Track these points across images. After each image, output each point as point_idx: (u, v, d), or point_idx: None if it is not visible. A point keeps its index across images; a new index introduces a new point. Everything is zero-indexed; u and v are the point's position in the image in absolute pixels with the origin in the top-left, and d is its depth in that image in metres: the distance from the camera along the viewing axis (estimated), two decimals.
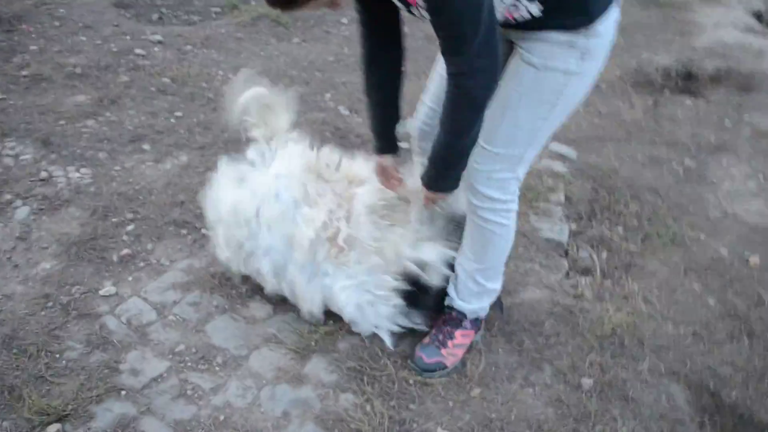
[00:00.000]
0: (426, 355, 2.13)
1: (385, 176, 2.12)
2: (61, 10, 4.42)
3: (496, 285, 2.18)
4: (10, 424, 1.82)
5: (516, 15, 1.65)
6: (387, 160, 2.08)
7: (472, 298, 2.16)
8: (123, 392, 1.95)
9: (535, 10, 1.63)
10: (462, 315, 2.18)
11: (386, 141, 2.06)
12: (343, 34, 4.89)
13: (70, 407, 1.86)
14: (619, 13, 1.74)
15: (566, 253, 2.80)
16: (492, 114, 1.73)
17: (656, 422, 2.07)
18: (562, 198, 3.07)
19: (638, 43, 5.23)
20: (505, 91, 1.75)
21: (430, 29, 1.57)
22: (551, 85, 1.74)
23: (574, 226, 2.94)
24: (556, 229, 2.87)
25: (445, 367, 2.14)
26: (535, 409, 2.06)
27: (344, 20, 4.93)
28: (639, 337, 2.36)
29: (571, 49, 1.68)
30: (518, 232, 2.78)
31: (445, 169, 1.83)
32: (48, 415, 1.83)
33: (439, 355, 2.14)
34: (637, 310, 2.48)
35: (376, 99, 2.00)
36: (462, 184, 1.89)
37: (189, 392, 1.99)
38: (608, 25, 1.69)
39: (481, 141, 1.80)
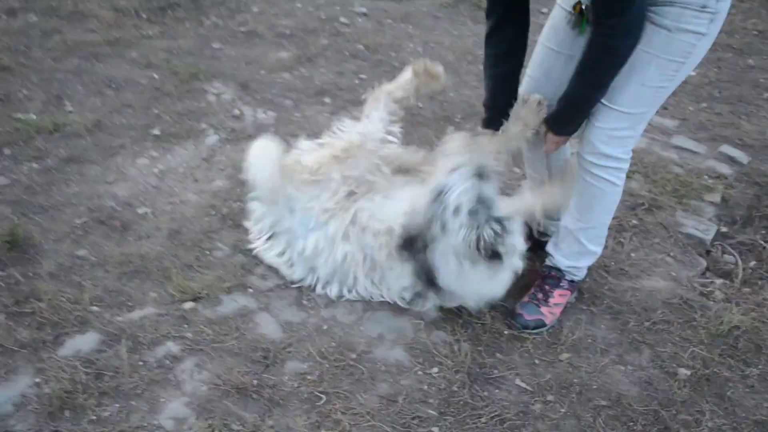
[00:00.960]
0: (527, 313, 2.23)
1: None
2: None
3: (597, 248, 2.24)
4: (157, 295, 2.24)
5: None
6: (487, 136, 2.14)
7: (571, 257, 2.23)
8: (250, 290, 2.30)
9: None
10: (560, 273, 2.25)
11: (498, 116, 2.11)
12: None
13: (205, 292, 2.24)
14: None
15: (707, 253, 2.68)
16: (619, 74, 1.83)
17: (749, 426, 1.98)
18: (718, 199, 2.92)
19: None
20: (635, 52, 1.81)
21: None
22: (681, 46, 1.80)
23: (724, 229, 2.80)
24: (701, 227, 2.76)
25: (545, 324, 2.22)
26: (621, 385, 2.07)
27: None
28: (758, 342, 2.23)
29: (703, 12, 1.74)
30: (658, 224, 2.75)
31: (574, 116, 2.00)
32: (187, 293, 2.23)
33: (539, 312, 2.22)
34: (766, 317, 2.34)
35: (496, 71, 2.07)
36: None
37: (305, 302, 2.28)
38: None
39: (604, 100, 1.91)
